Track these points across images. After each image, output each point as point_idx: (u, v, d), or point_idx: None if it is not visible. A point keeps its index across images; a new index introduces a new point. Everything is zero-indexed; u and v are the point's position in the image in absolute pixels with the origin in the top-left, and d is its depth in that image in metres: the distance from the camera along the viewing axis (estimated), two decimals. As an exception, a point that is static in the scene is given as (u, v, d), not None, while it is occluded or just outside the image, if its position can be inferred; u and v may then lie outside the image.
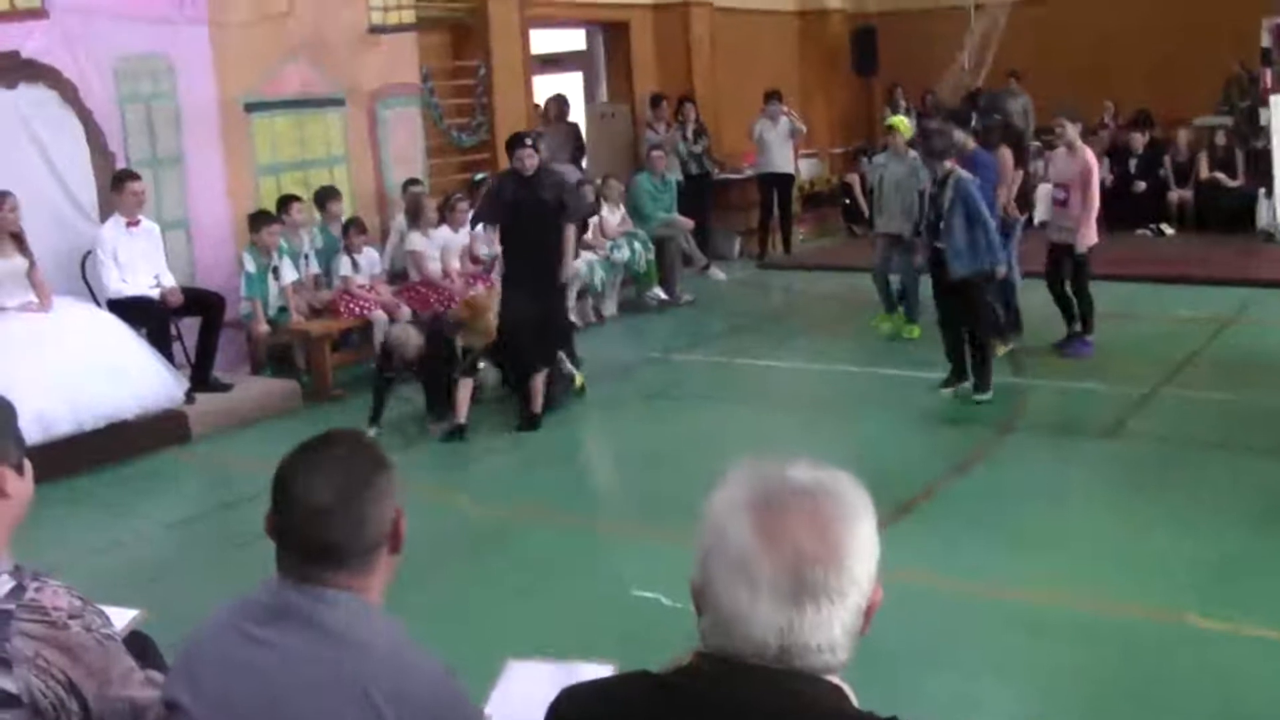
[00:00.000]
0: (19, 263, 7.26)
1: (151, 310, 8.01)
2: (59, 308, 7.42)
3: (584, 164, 13.67)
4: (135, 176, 8.16)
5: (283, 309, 8.84)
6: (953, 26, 15.60)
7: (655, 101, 13.50)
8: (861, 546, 1.48)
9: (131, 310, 7.86)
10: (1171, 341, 8.98)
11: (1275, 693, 4.11)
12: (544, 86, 14.00)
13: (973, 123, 9.63)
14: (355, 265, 9.28)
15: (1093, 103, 14.00)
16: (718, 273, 12.72)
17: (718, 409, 8.25)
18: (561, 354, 8.21)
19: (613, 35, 14.53)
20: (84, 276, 8.16)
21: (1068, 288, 8.69)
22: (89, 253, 8.11)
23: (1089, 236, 8.50)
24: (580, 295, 10.76)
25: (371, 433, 7.09)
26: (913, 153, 9.17)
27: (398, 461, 2.09)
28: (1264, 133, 12.40)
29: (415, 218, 9.67)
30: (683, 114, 13.32)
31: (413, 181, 10.28)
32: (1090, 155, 8.63)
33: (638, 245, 11.37)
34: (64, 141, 8.17)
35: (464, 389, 7.60)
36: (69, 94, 8.16)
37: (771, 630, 1.44)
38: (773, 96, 13.30)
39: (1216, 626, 4.53)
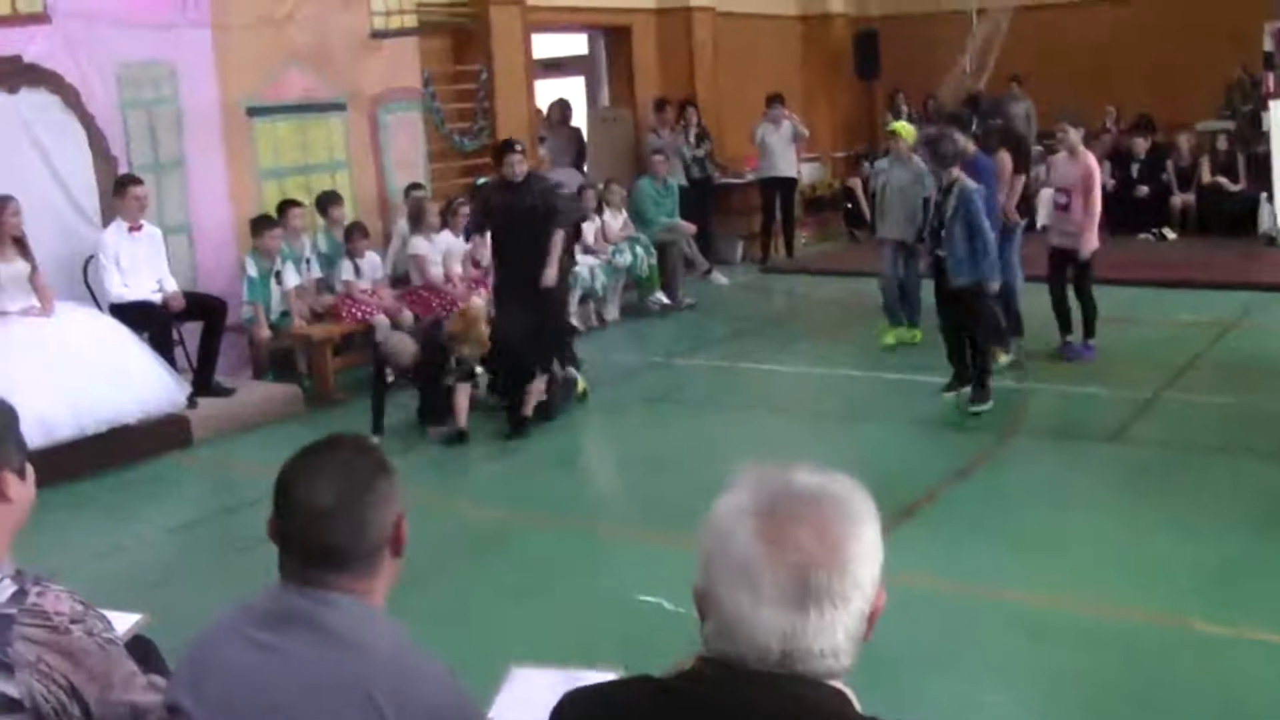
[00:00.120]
0: (21, 267, 7.26)
1: (153, 315, 8.01)
2: (61, 312, 7.42)
3: (586, 168, 13.70)
4: (137, 181, 8.17)
5: (284, 313, 8.84)
6: (955, 31, 15.59)
7: (660, 106, 13.52)
8: (865, 551, 1.48)
9: (133, 314, 7.86)
10: (1173, 346, 8.97)
11: (1277, 696, 4.10)
12: (546, 91, 14.02)
13: (973, 126, 9.63)
14: (357, 270, 9.28)
15: (1095, 107, 14.02)
16: (720, 277, 12.72)
17: (720, 413, 8.24)
18: (557, 361, 8.17)
19: (615, 40, 14.52)
20: (86, 281, 8.16)
21: (1069, 294, 8.66)
22: (91, 257, 8.11)
23: (1091, 242, 8.47)
24: (582, 300, 10.76)
25: (374, 440, 7.07)
26: (916, 158, 9.14)
27: (398, 466, 2.09)
28: (1266, 137, 12.39)
29: (417, 222, 9.67)
30: (685, 118, 13.33)
31: (415, 186, 10.30)
32: (1091, 160, 8.61)
33: (640, 250, 11.37)
34: (66, 146, 8.18)
35: (462, 395, 7.60)
36: (71, 99, 8.17)
37: (775, 635, 1.44)
38: (775, 100, 13.31)
39: (1218, 630, 4.53)
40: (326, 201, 9.57)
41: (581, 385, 8.42)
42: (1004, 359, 8.39)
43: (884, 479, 4.92)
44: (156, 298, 8.06)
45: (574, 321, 10.58)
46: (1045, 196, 9.12)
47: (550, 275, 8.20)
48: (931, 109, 14.91)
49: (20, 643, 2.00)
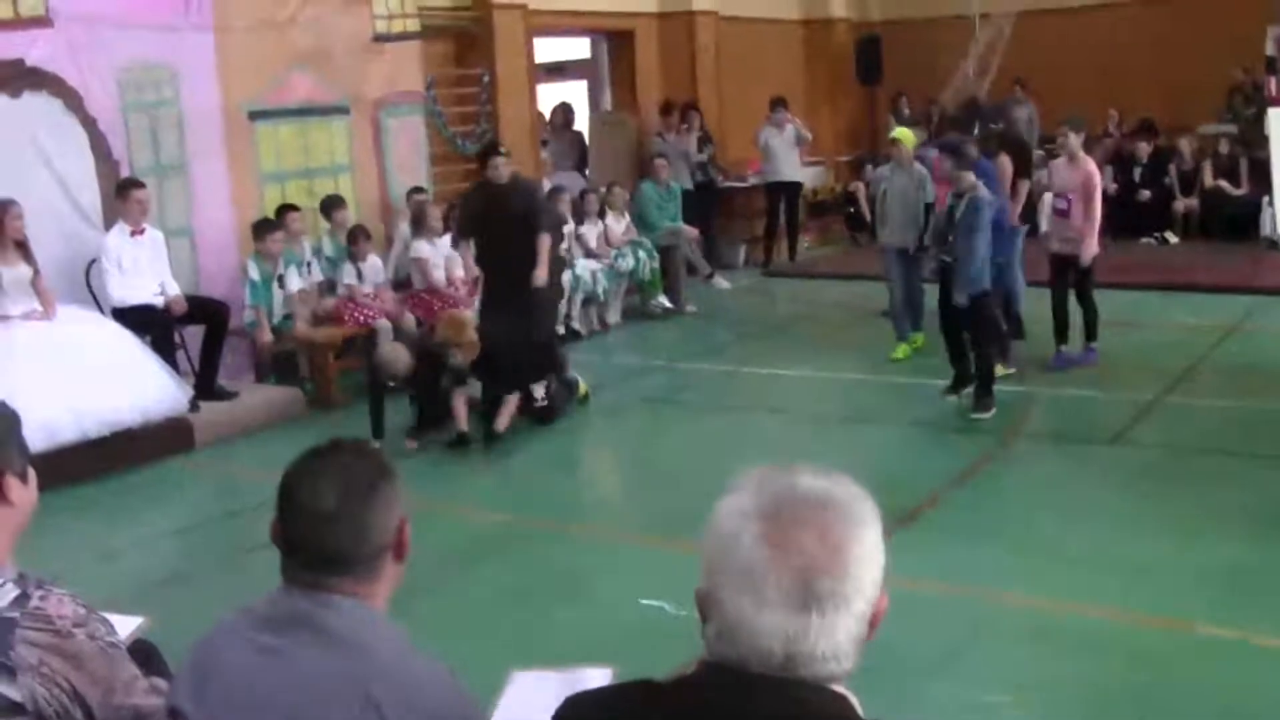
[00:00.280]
0: (23, 271, 7.27)
1: (156, 318, 8.01)
2: (63, 316, 7.42)
3: (588, 172, 13.71)
4: (139, 184, 8.17)
5: (287, 317, 8.84)
6: (957, 35, 15.60)
7: (665, 110, 13.52)
8: (867, 554, 1.48)
9: (136, 318, 7.86)
10: (1176, 349, 8.97)
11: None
12: (548, 95, 14.04)
13: (975, 130, 9.62)
14: (359, 273, 9.29)
15: (1097, 111, 14.03)
16: (722, 281, 12.71)
17: (722, 417, 8.24)
18: (550, 369, 8.12)
19: (617, 44, 14.53)
20: (88, 284, 8.16)
21: (1070, 300, 8.61)
22: (93, 260, 8.11)
23: (1091, 248, 8.39)
24: (585, 303, 10.78)
25: (376, 445, 7.07)
26: (918, 165, 9.11)
27: (399, 470, 2.09)
28: (1268, 141, 12.38)
29: (419, 225, 9.68)
30: (688, 122, 13.34)
31: (417, 189, 10.31)
32: (1092, 165, 8.54)
33: (642, 253, 11.38)
34: (68, 149, 8.19)
35: (459, 400, 7.58)
36: (73, 102, 8.18)
37: (777, 638, 1.44)
38: (778, 104, 13.31)
39: (1221, 634, 4.52)
40: (330, 205, 9.57)
41: (583, 388, 8.42)
42: (1003, 373, 8.26)
43: (886, 482, 4.94)
44: (159, 301, 8.06)
45: (576, 325, 10.61)
46: (1047, 201, 9.10)
47: (540, 276, 8.17)
48: (934, 114, 14.91)
49: (23, 646, 2.01)
